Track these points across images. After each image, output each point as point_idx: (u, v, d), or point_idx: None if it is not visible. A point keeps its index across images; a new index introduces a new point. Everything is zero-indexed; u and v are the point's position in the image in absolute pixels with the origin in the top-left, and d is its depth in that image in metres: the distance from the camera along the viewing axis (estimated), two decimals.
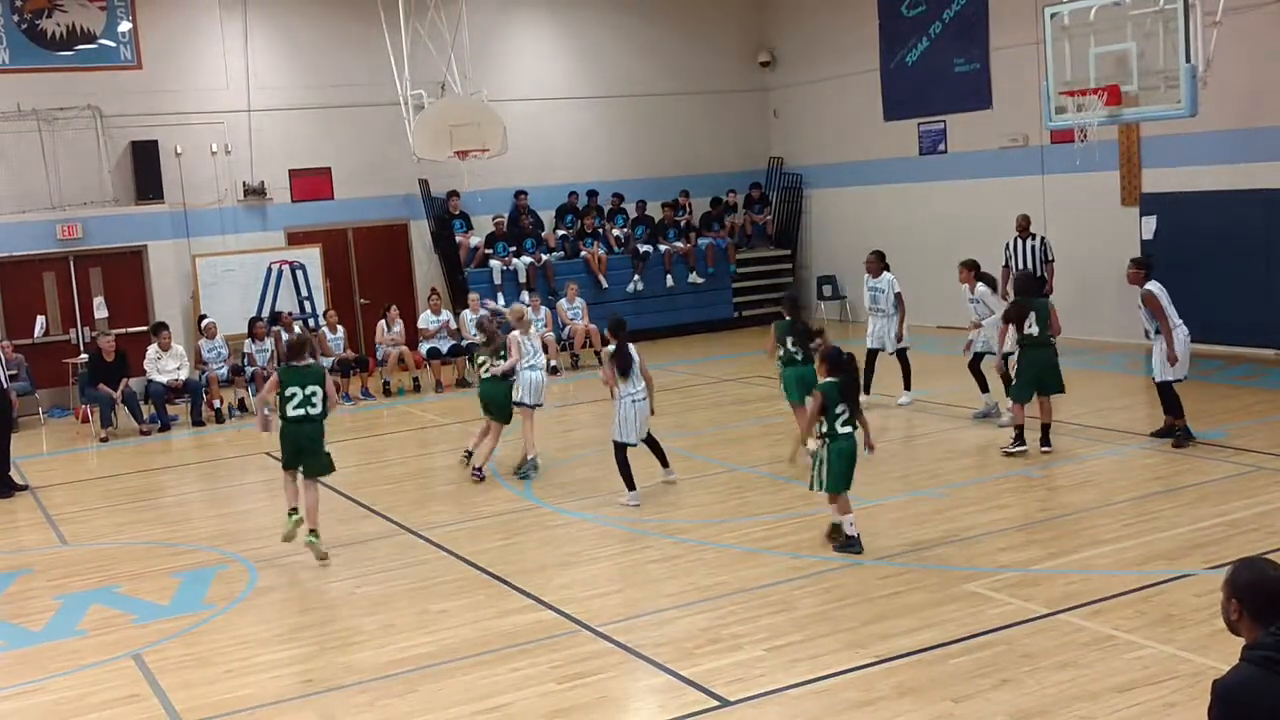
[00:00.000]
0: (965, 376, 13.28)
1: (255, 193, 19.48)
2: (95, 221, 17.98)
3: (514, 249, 20.44)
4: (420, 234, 20.78)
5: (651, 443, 10.98)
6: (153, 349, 16.34)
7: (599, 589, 8.52)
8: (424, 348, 18.13)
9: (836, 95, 21.94)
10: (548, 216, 21.46)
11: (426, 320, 18.32)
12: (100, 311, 17.93)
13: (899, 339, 13.89)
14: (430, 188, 20.27)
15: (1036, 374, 11.42)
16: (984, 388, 13.08)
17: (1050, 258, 16.27)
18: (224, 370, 16.91)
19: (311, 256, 19.28)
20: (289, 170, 19.76)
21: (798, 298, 12.82)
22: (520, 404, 12.07)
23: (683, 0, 22.68)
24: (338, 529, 10.58)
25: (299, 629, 8.25)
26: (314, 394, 9.67)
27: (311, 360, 10.27)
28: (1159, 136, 16.30)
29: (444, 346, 18.10)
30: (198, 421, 16.25)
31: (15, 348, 16.62)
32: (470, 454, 12.40)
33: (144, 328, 17.57)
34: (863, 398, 13.78)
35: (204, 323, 17.39)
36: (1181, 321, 11.42)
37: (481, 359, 12.31)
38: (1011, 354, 12.59)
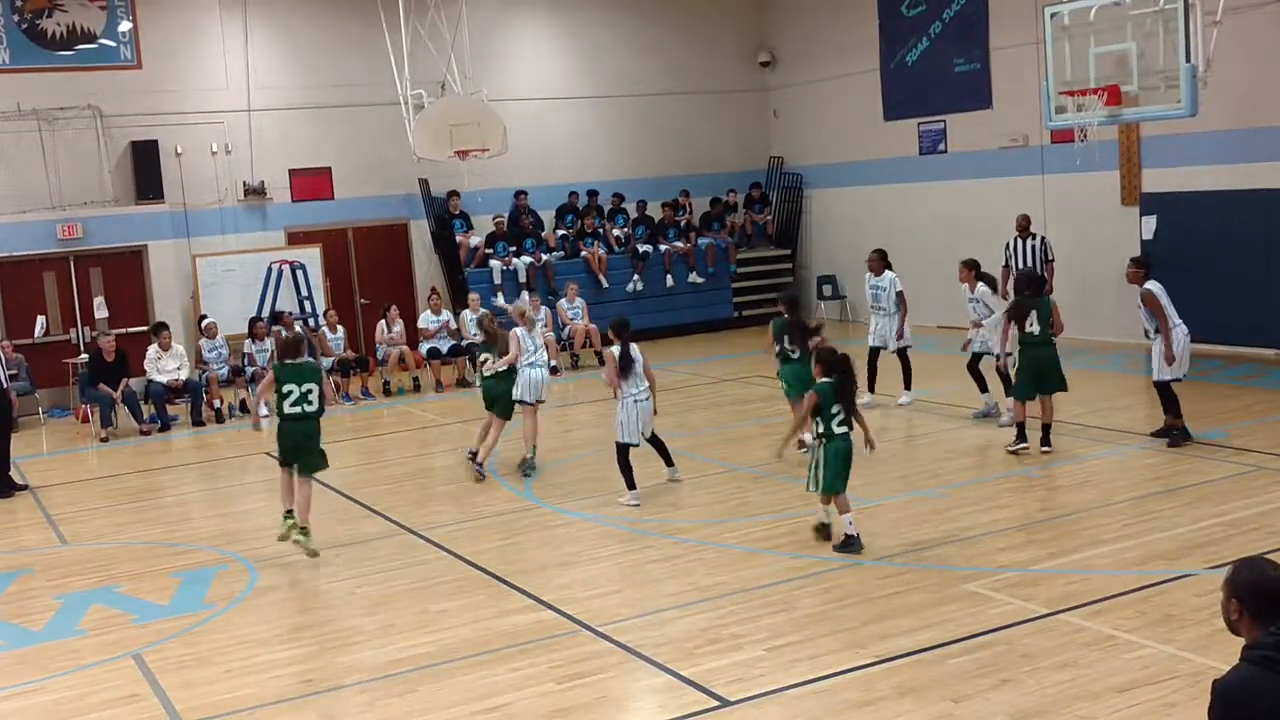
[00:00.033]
0: (965, 376, 13.28)
1: (255, 193, 19.49)
2: (95, 221, 17.98)
3: (514, 249, 20.44)
4: (420, 234, 20.78)
5: (656, 442, 10.99)
6: (153, 349, 16.34)
7: (599, 589, 8.52)
8: (424, 348, 18.14)
9: (836, 95, 21.94)
10: (548, 216, 21.46)
11: (426, 320, 18.33)
12: (100, 311, 17.93)
13: (899, 336, 13.90)
14: (430, 187, 20.27)
15: (1037, 372, 11.42)
16: (983, 388, 13.08)
17: (1050, 257, 16.28)
18: (224, 370, 16.91)
19: (311, 256, 19.28)
20: (289, 170, 19.77)
21: (797, 296, 12.83)
22: (520, 401, 12.08)
23: (683, 0, 22.68)
24: (338, 529, 10.58)
25: (299, 629, 8.25)
26: (310, 391, 9.68)
27: (309, 358, 10.27)
28: (1159, 136, 16.30)
29: (444, 346, 18.10)
30: (198, 421, 16.25)
31: (15, 348, 16.63)
32: (475, 453, 12.47)
33: (144, 328, 17.58)
34: (866, 396, 13.98)
35: (204, 323, 17.39)
36: (1181, 321, 11.42)
37: (484, 357, 12.34)
38: (1010, 354, 12.62)
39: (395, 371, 17.94)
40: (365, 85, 19.41)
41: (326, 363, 17.39)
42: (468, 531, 10.22)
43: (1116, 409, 13.25)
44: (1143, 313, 11.53)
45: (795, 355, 11.54)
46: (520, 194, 20.99)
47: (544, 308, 18.68)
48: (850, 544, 8.86)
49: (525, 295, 18.73)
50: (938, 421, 13.29)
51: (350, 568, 9.43)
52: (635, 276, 21.21)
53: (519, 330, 12.06)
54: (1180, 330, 11.37)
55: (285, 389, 9.64)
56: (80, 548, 10.73)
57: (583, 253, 21.05)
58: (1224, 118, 15.02)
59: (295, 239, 19.73)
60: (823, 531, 9.18)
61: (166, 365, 16.31)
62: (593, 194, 21.82)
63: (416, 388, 17.82)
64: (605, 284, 20.89)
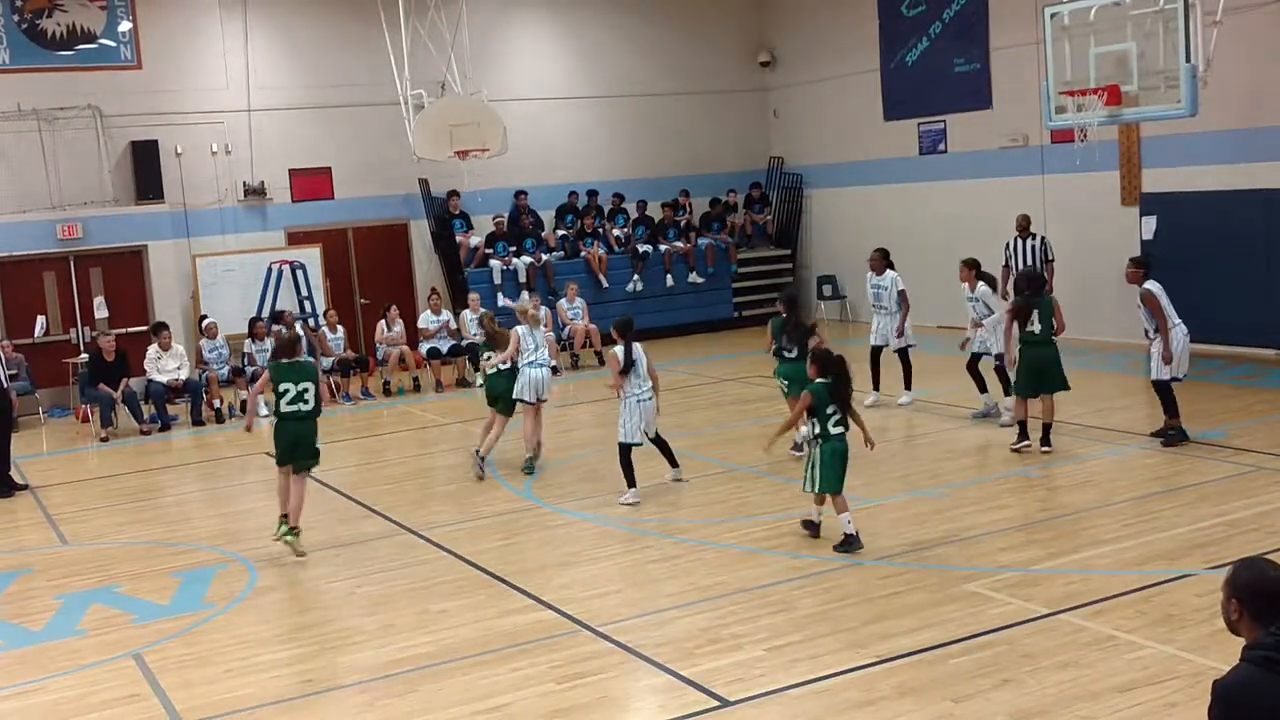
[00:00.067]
0: (965, 376, 13.28)
1: (255, 193, 19.48)
2: (95, 221, 17.98)
3: (514, 249, 20.44)
4: (420, 234, 20.78)
5: (660, 443, 11.00)
6: (153, 349, 16.35)
7: (599, 589, 8.52)
8: (424, 348, 18.13)
9: (836, 95, 21.94)
10: (548, 216, 21.46)
11: (426, 320, 18.32)
12: (100, 311, 17.93)
13: (900, 334, 13.90)
14: (430, 187, 20.27)
15: (1038, 371, 11.43)
16: (982, 388, 13.08)
17: (1050, 257, 16.28)
18: (225, 370, 16.91)
19: (311, 256, 19.28)
20: (289, 170, 19.76)
21: (796, 296, 12.83)
22: (521, 400, 12.11)
23: (683, 0, 22.68)
24: (338, 529, 10.59)
25: (299, 629, 8.25)
26: (306, 390, 9.70)
27: (308, 357, 10.30)
28: (1159, 136, 16.30)
29: (444, 346, 18.10)
30: (198, 421, 16.26)
31: (15, 347, 16.63)
32: (482, 458, 12.55)
33: (144, 328, 17.57)
34: (872, 395, 13.99)
35: (205, 323, 17.39)
36: (1180, 321, 11.43)
37: (487, 355, 12.41)
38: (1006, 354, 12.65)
39: (395, 371, 17.94)
40: (365, 85, 19.41)
41: (326, 363, 17.41)
42: (468, 531, 10.22)
43: (1116, 409, 13.25)
44: (1142, 313, 11.53)
45: (792, 354, 11.53)
46: (520, 194, 20.99)
47: (544, 308, 18.68)
48: (850, 543, 8.86)
49: (525, 295, 18.77)
50: (938, 421, 13.29)
51: (350, 568, 9.43)
52: (635, 277, 21.21)
53: (521, 328, 12.10)
54: (1180, 330, 11.38)
55: (282, 388, 9.67)
56: (80, 548, 10.73)
57: (583, 253, 21.04)
58: (1224, 118, 15.02)
59: (295, 239, 19.73)
60: (811, 528, 9.21)
61: (166, 365, 16.31)
62: (593, 194, 21.82)
63: (416, 388, 17.83)
64: (605, 284, 20.89)
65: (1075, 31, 13.94)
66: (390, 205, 20.50)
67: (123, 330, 17.64)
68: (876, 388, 14.15)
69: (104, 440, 15.51)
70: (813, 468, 8.98)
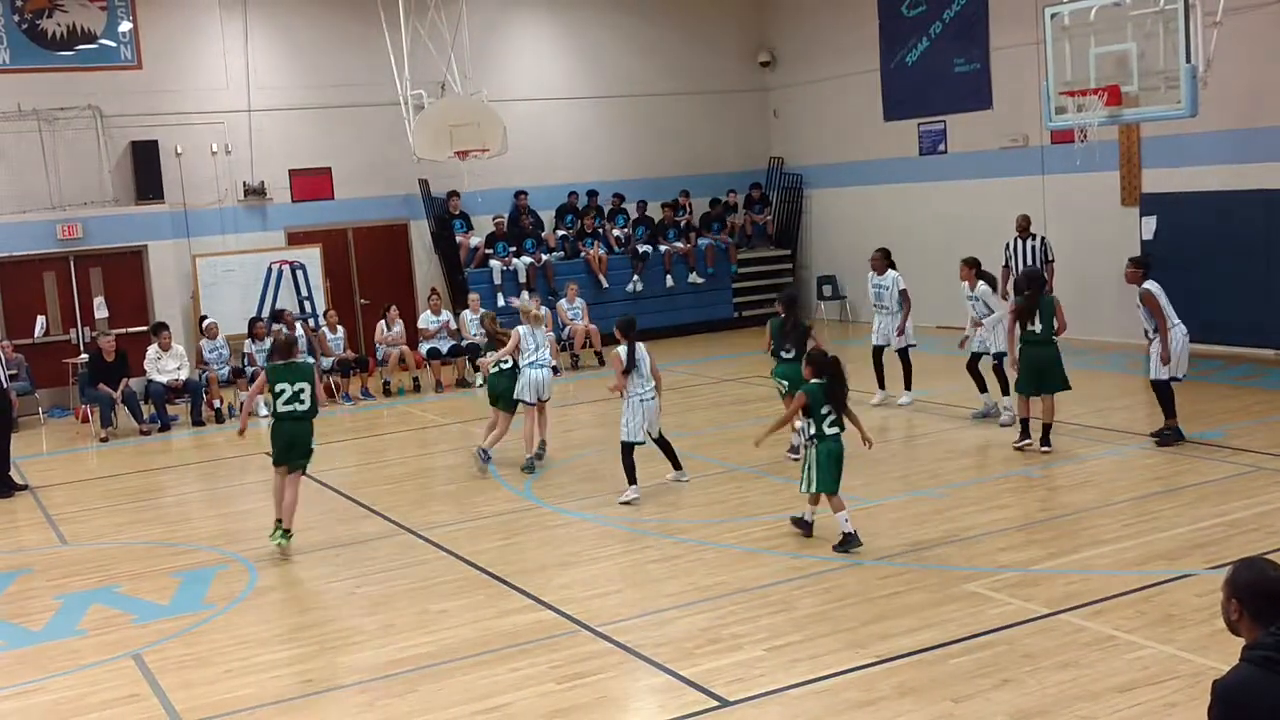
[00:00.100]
0: (965, 377, 13.28)
1: (255, 193, 19.48)
2: (95, 221, 17.98)
3: (514, 249, 20.44)
4: (420, 234, 20.78)
5: (664, 444, 11.01)
6: (153, 349, 16.35)
7: (599, 589, 8.52)
8: (424, 348, 18.13)
9: (836, 95, 21.95)
10: (548, 216, 21.46)
11: (426, 320, 18.32)
12: (100, 311, 17.93)
13: (900, 332, 13.91)
14: (430, 188, 20.27)
15: (1038, 371, 11.43)
16: (982, 388, 13.09)
17: (1050, 258, 16.28)
18: (225, 370, 16.91)
19: (311, 256, 19.28)
20: (289, 170, 19.76)
21: (795, 296, 12.84)
22: (521, 401, 12.16)
23: (683, 0, 22.68)
24: (338, 529, 10.59)
25: (299, 629, 8.25)
26: (302, 390, 9.74)
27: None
28: (1159, 137, 16.30)
29: (444, 346, 18.10)
30: (198, 421, 16.26)
31: (15, 348, 16.63)
32: (485, 454, 12.59)
33: (144, 328, 17.57)
34: (879, 394, 14.01)
35: (205, 323, 17.38)
36: (1180, 321, 11.43)
37: (485, 356, 12.47)
38: (1005, 354, 12.64)
39: (395, 372, 17.94)
40: (365, 85, 19.41)
41: (326, 363, 17.41)
42: (468, 531, 10.22)
43: (1116, 409, 13.25)
44: (1142, 313, 11.53)
45: (790, 355, 11.53)
46: (520, 194, 20.99)
47: (544, 308, 18.68)
48: (848, 541, 8.86)
49: (525, 295, 18.77)
50: (938, 421, 13.29)
51: (350, 568, 9.43)
52: (635, 277, 21.21)
53: (522, 328, 12.17)
54: (1179, 330, 11.38)
55: (278, 388, 9.74)
56: (80, 548, 10.73)
57: (583, 253, 21.04)
58: (1224, 118, 15.02)
59: (295, 239, 19.73)
60: (803, 526, 9.22)
61: (166, 365, 16.31)
62: (593, 194, 21.82)
63: (416, 388, 17.83)
64: (605, 284, 20.89)
65: (1075, 32, 13.94)
66: (390, 205, 20.49)
67: (123, 330, 17.64)
68: (882, 386, 14.19)
69: (104, 440, 15.51)
70: (809, 468, 9.00)
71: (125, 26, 18.58)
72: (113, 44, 18.54)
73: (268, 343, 16.75)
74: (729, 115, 23.25)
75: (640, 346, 10.70)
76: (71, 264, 18.05)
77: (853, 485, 10.34)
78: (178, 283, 18.62)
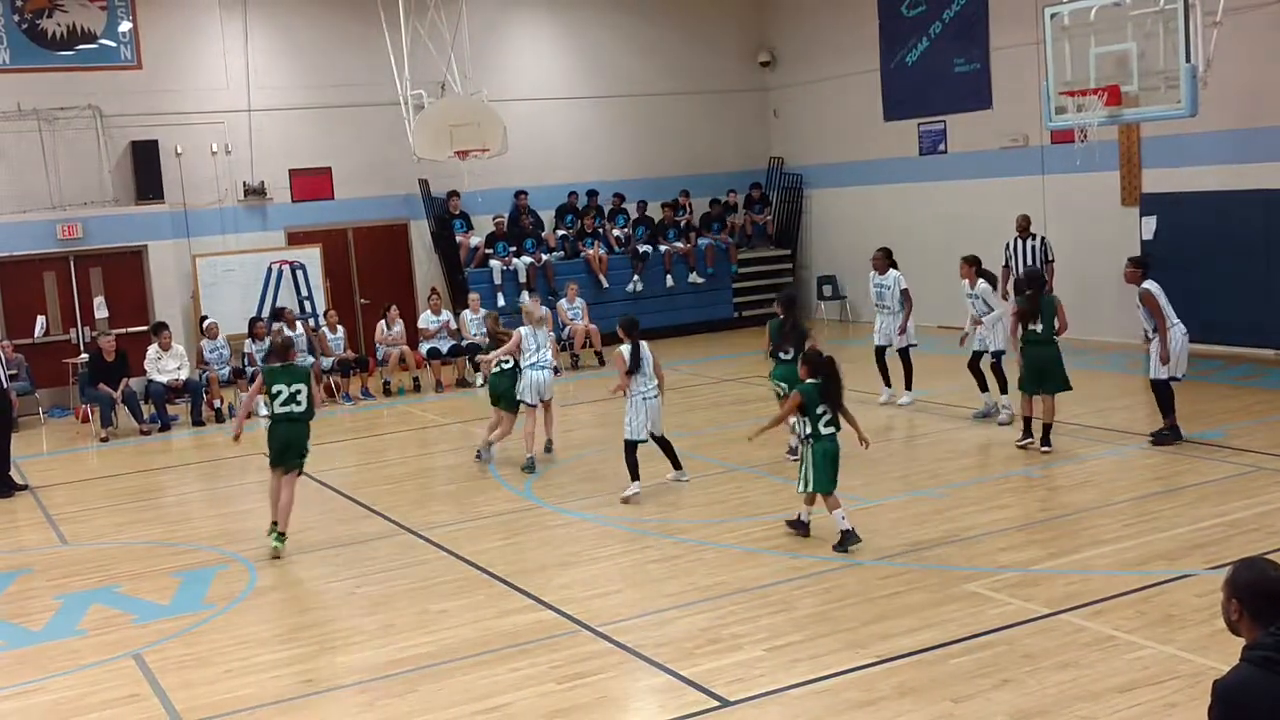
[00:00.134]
0: (965, 376, 13.29)
1: (255, 193, 19.48)
2: (95, 221, 17.98)
3: (514, 249, 20.44)
4: (420, 234, 20.78)
5: (664, 444, 11.03)
6: (153, 349, 16.35)
7: (599, 589, 8.52)
8: (424, 348, 18.14)
9: (836, 95, 21.94)
10: (548, 216, 21.46)
11: (426, 320, 18.33)
12: (100, 311, 17.93)
13: (902, 331, 13.91)
14: (430, 188, 20.27)
15: (1039, 371, 11.43)
16: (983, 387, 13.09)
17: (1050, 258, 16.28)
18: (225, 370, 16.91)
19: (311, 256, 19.28)
20: (289, 170, 19.76)
21: (794, 297, 12.85)
22: (523, 402, 12.21)
23: (683, 0, 22.68)
24: (338, 529, 10.59)
25: (299, 629, 8.25)
26: (299, 392, 9.77)
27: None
28: (1159, 137, 16.30)
29: (444, 346, 18.10)
30: (198, 421, 16.26)
31: (15, 347, 16.63)
32: (481, 453, 12.60)
33: (144, 328, 17.58)
34: (885, 393, 14.03)
35: (206, 323, 17.38)
36: (1179, 320, 11.43)
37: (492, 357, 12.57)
38: (1004, 353, 12.67)
39: (395, 371, 17.94)
40: (365, 85, 19.41)
41: (326, 363, 17.42)
42: (468, 531, 10.22)
43: (1116, 409, 13.25)
44: (1141, 313, 11.54)
45: (789, 356, 11.53)
46: (520, 194, 20.99)
47: (544, 308, 18.68)
48: (847, 539, 8.87)
49: (526, 295, 18.78)
50: (938, 421, 13.29)
51: (350, 568, 9.43)
52: (635, 277, 21.21)
53: (524, 328, 12.23)
54: (1178, 330, 11.38)
55: (275, 389, 9.78)
56: (80, 548, 10.73)
57: (583, 253, 21.04)
58: (1224, 118, 15.02)
59: (295, 239, 19.73)
60: (800, 527, 9.23)
61: (166, 365, 16.32)
62: (593, 194, 21.82)
63: (416, 388, 17.83)
64: (605, 284, 20.89)
65: (1075, 31, 13.94)
66: (390, 205, 20.49)
67: (123, 330, 17.64)
68: (888, 384, 14.22)
69: (104, 440, 15.51)
70: (805, 468, 9.02)
71: (125, 26, 18.58)
72: (113, 44, 18.54)
73: (268, 342, 16.77)
74: (729, 115, 23.25)
75: (643, 345, 10.75)
76: (71, 264, 18.05)
77: (852, 485, 10.35)
78: (178, 283, 18.62)
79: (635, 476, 10.73)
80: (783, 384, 11.51)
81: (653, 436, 10.90)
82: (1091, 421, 12.51)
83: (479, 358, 12.52)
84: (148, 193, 18.37)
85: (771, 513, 10.01)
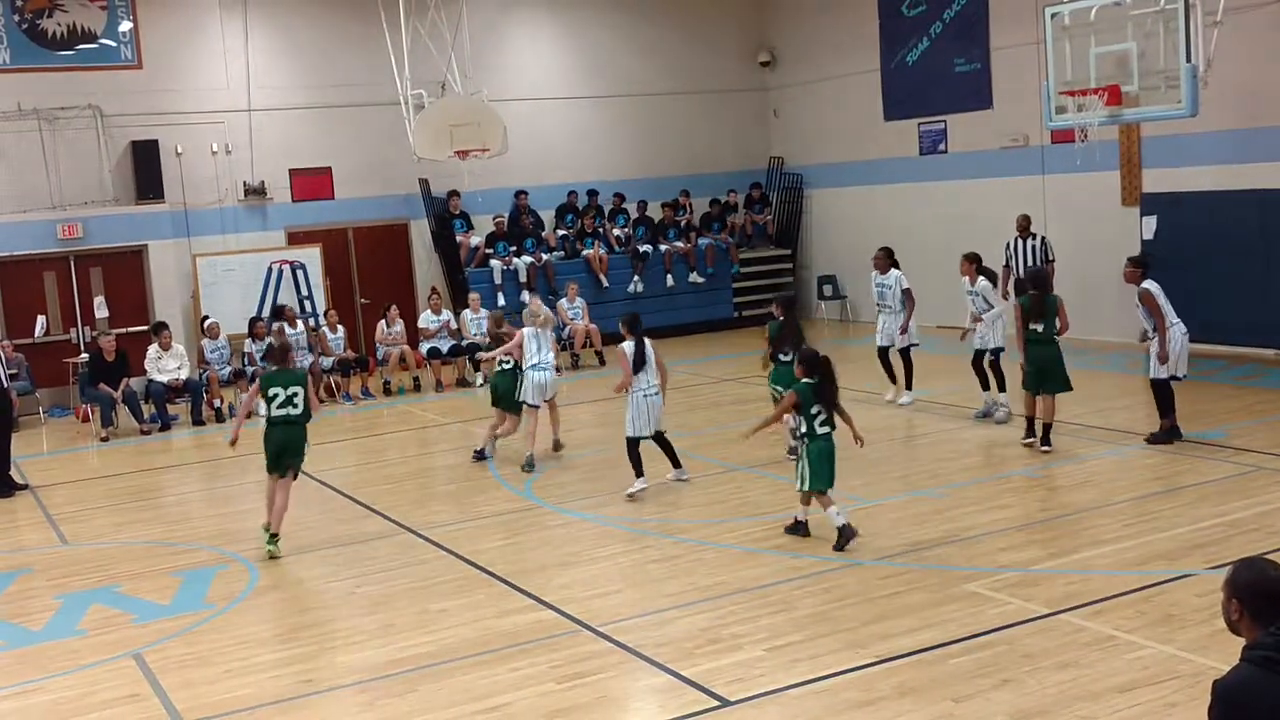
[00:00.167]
0: (965, 377, 13.30)
1: (255, 192, 19.48)
2: (95, 221, 17.98)
3: (514, 249, 20.45)
4: (420, 234, 20.79)
5: (663, 443, 11.03)
6: (153, 349, 16.35)
7: (599, 589, 8.52)
8: (424, 347, 18.14)
9: (836, 95, 21.94)
10: (548, 216, 21.47)
11: (427, 320, 18.33)
12: (101, 311, 17.93)
13: (904, 331, 13.91)
14: (430, 187, 20.27)
15: (1039, 370, 11.43)
16: (985, 385, 13.09)
17: (1051, 258, 16.27)
18: (226, 370, 16.91)
19: (312, 256, 19.27)
20: (289, 170, 19.76)
21: (793, 298, 12.87)
22: (525, 403, 12.25)
23: (683, 0, 22.68)
24: (338, 529, 10.59)
25: (299, 629, 8.25)
26: (295, 395, 9.78)
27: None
28: (1159, 136, 16.30)
29: (444, 346, 18.10)
30: (198, 421, 16.26)
31: (15, 347, 16.63)
32: (480, 453, 12.68)
33: (144, 327, 17.58)
34: (890, 392, 14.02)
35: (207, 323, 17.38)
36: (1179, 320, 11.43)
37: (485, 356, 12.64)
38: (1003, 350, 12.68)
39: (395, 371, 17.94)
40: (365, 85, 19.41)
41: (326, 363, 17.42)
42: (468, 531, 10.22)
43: (1116, 409, 13.25)
44: (1141, 312, 11.54)
45: (788, 358, 11.54)
46: (520, 194, 20.99)
47: (545, 308, 18.69)
48: (844, 534, 8.88)
49: (527, 295, 18.79)
50: (938, 421, 13.29)
51: (350, 568, 9.43)
52: (635, 277, 21.21)
53: (527, 330, 12.25)
54: (1178, 329, 11.38)
55: (271, 392, 9.79)
56: (80, 547, 10.73)
57: (583, 253, 21.04)
58: (1224, 118, 15.02)
59: (295, 239, 19.73)
60: (799, 528, 9.23)
61: (167, 365, 16.32)
62: (593, 194, 21.82)
63: (417, 387, 17.83)
64: (605, 284, 20.89)
65: (1075, 31, 13.94)
66: (390, 205, 20.49)
67: (123, 330, 17.64)
68: (894, 381, 14.22)
69: (104, 440, 15.51)
70: (802, 466, 9.05)
71: (125, 26, 18.59)
72: (113, 44, 18.54)
73: (268, 342, 16.76)
74: (729, 115, 23.25)
75: (647, 342, 10.82)
76: (72, 264, 18.05)
77: (853, 485, 10.37)
78: (178, 282, 18.62)
79: (640, 473, 10.77)
80: (778, 388, 11.53)
81: (656, 431, 10.93)
82: (1091, 421, 12.51)
83: (479, 355, 12.55)
84: (148, 192, 18.37)
85: (771, 513, 10.01)
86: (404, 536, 10.21)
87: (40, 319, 17.66)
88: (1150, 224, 16.25)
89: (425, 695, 6.87)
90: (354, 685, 7.14)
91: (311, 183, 19.97)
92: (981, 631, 7.19)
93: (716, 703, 6.51)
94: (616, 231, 21.68)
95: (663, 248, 21.56)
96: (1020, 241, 16.35)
